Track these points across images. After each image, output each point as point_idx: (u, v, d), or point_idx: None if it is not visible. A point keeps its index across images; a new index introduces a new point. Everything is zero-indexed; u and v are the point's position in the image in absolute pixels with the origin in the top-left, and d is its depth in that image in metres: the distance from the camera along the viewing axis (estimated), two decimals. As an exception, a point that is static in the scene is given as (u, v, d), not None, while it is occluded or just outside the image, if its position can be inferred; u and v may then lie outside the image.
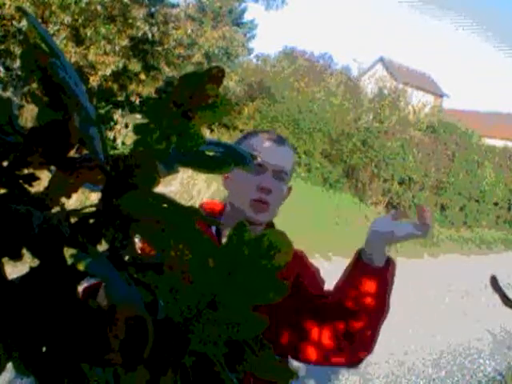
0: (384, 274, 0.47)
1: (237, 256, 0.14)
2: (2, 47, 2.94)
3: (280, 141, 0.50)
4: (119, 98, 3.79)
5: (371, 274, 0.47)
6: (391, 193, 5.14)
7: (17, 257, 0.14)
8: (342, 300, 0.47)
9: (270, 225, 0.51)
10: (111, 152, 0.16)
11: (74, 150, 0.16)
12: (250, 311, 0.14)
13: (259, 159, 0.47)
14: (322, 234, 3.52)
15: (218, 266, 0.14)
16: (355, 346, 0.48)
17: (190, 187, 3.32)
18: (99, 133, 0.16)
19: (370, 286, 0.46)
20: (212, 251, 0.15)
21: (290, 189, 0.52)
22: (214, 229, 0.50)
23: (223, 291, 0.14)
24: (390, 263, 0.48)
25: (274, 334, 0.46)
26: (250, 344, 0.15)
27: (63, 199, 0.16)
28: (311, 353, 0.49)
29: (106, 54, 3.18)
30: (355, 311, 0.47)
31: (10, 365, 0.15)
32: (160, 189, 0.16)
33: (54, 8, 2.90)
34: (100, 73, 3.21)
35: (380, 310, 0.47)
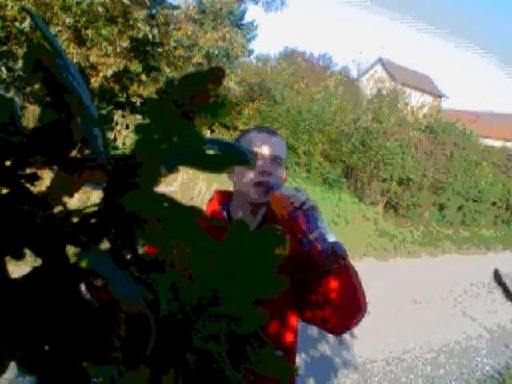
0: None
1: (237, 252, 0.14)
2: (5, 48, 2.93)
3: (273, 133, 0.58)
4: (120, 99, 3.79)
5: None
6: (390, 192, 5.15)
7: (19, 256, 0.15)
8: None
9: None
10: (112, 152, 0.16)
11: (76, 149, 0.16)
12: (250, 305, 0.14)
13: (258, 149, 0.55)
14: (322, 233, 3.51)
15: (218, 262, 0.15)
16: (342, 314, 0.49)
17: (190, 187, 3.32)
18: (101, 133, 0.16)
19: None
20: (213, 248, 0.15)
21: (286, 174, 0.61)
22: (225, 214, 0.58)
23: (224, 287, 0.14)
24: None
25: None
26: (250, 341, 0.16)
27: (65, 198, 0.16)
28: (312, 314, 0.51)
29: (107, 55, 3.17)
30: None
31: (11, 363, 0.15)
32: (161, 189, 0.16)
33: (55, 9, 2.90)
34: (101, 74, 3.20)
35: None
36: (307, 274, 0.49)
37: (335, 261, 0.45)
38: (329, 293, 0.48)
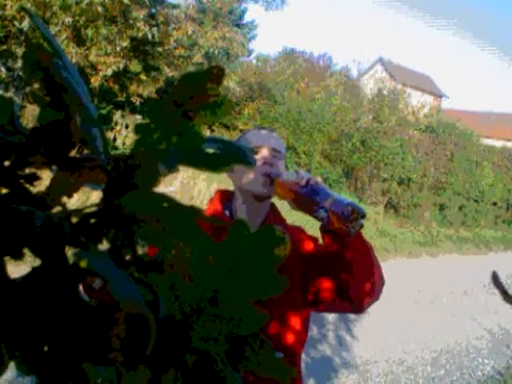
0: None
1: (237, 252, 0.14)
2: (4, 48, 2.94)
3: (271, 130, 0.61)
4: (120, 99, 3.80)
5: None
6: (390, 193, 5.15)
7: (18, 256, 0.15)
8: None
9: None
10: (112, 152, 0.16)
11: (76, 149, 0.16)
12: (250, 306, 0.14)
13: (258, 143, 0.56)
14: (322, 233, 3.52)
15: (218, 262, 0.15)
16: (355, 292, 0.50)
17: (190, 187, 3.33)
18: (101, 133, 0.16)
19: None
20: (212, 249, 0.15)
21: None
22: (227, 213, 0.58)
23: (224, 287, 0.14)
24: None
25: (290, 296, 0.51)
26: (249, 342, 0.16)
27: (64, 199, 0.16)
28: (322, 302, 0.53)
29: (106, 54, 3.18)
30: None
31: (11, 363, 0.15)
32: (160, 189, 0.16)
33: (55, 9, 2.90)
34: (101, 73, 3.21)
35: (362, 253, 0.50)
36: (324, 257, 0.50)
37: (356, 220, 0.44)
38: (347, 263, 0.48)
